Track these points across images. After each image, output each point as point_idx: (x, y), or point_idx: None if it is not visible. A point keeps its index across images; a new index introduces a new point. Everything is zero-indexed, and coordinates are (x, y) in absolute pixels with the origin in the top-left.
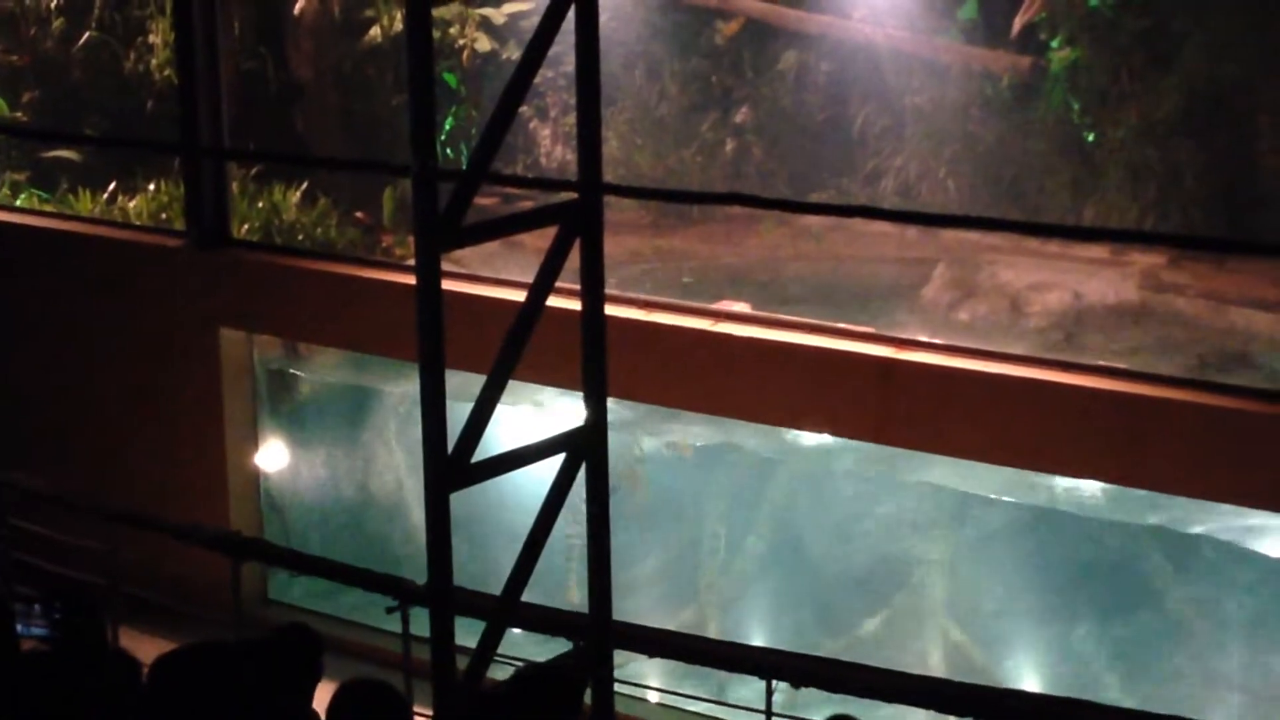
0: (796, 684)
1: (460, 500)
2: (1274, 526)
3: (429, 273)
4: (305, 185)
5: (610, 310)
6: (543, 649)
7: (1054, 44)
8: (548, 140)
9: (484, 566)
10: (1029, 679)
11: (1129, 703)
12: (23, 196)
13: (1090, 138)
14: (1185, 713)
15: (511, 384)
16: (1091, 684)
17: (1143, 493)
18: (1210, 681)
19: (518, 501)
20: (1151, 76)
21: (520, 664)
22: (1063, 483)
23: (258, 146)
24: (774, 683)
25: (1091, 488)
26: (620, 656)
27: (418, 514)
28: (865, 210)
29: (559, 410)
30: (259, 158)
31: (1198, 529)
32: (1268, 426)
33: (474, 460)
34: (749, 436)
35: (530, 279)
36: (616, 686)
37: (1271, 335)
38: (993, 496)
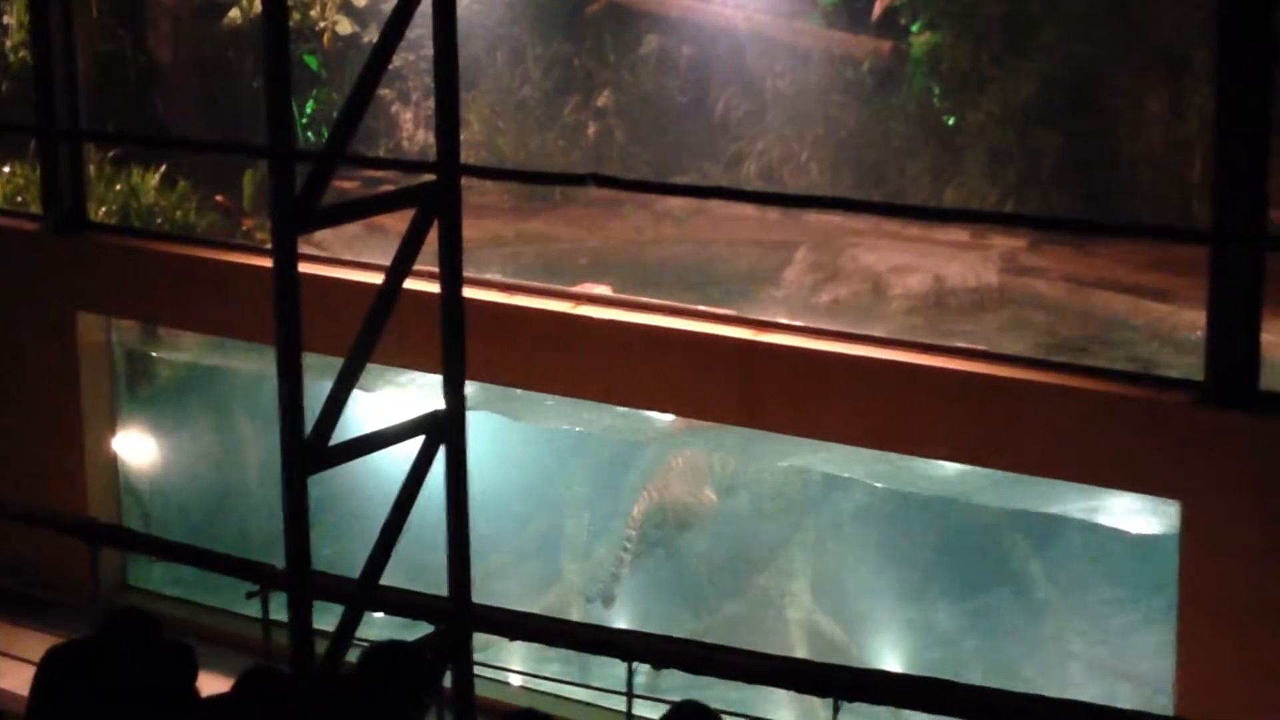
0: (657, 665)
1: None
2: (1130, 505)
3: (285, 255)
4: (164, 168)
5: (470, 293)
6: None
7: (914, 28)
8: (410, 123)
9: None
10: (889, 658)
11: (987, 680)
12: None
13: (950, 122)
14: (1042, 688)
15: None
16: (951, 662)
17: (1002, 474)
18: (1066, 657)
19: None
20: (1011, 61)
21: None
22: (923, 464)
23: (116, 129)
24: (635, 664)
25: (952, 469)
26: (481, 640)
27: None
28: (725, 191)
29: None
30: (116, 140)
31: (1056, 509)
32: (1126, 408)
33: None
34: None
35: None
36: (478, 670)
37: (1129, 317)
38: (852, 478)
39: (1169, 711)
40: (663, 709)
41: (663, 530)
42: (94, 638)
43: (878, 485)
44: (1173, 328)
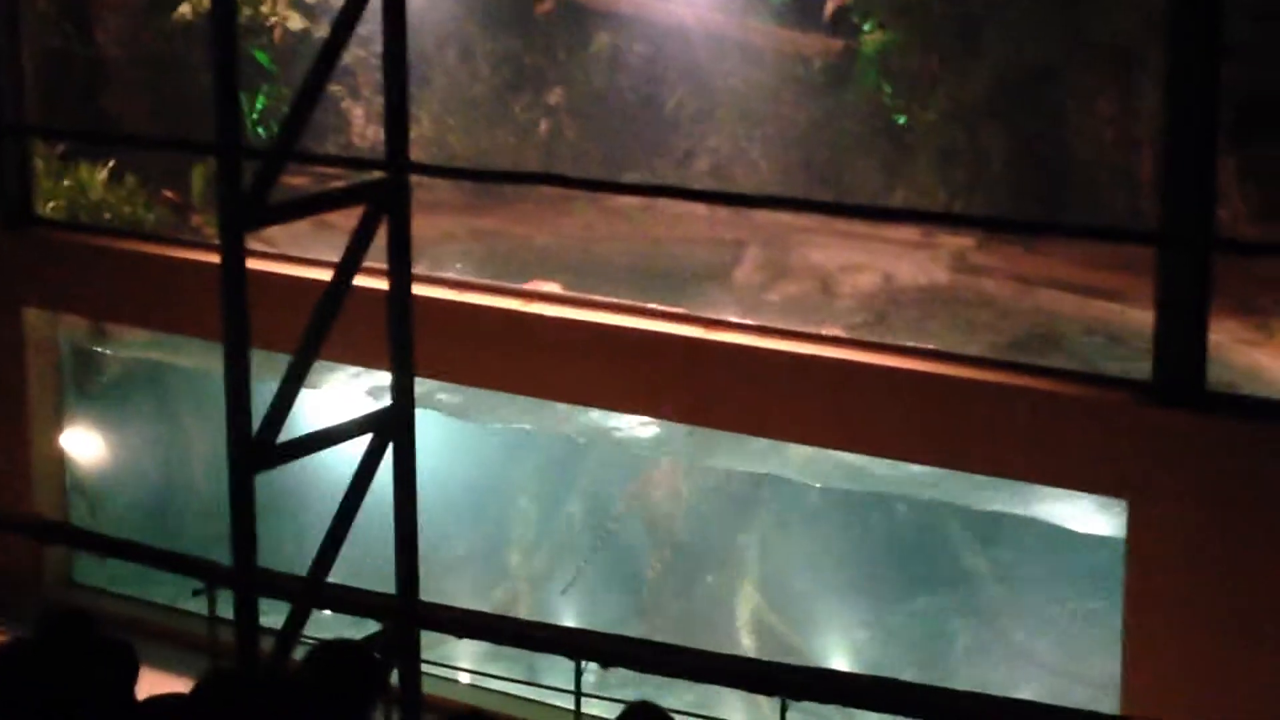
0: (605, 664)
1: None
2: (1078, 503)
3: (233, 252)
4: (112, 163)
5: (420, 290)
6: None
7: (866, 27)
8: (360, 120)
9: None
10: (838, 657)
11: (934, 679)
12: None
13: (901, 120)
14: (989, 686)
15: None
16: (899, 660)
17: (950, 472)
18: (1014, 656)
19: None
20: (962, 60)
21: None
22: (872, 463)
23: (63, 124)
24: (583, 663)
25: (900, 468)
26: (430, 638)
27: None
28: (677, 191)
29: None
30: (64, 135)
31: (1002, 507)
32: (1074, 407)
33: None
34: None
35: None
36: (426, 668)
37: (1077, 317)
38: (802, 479)
39: (1116, 710)
40: (611, 707)
41: (644, 524)
42: (31, 638)
43: (816, 482)
44: (1121, 327)
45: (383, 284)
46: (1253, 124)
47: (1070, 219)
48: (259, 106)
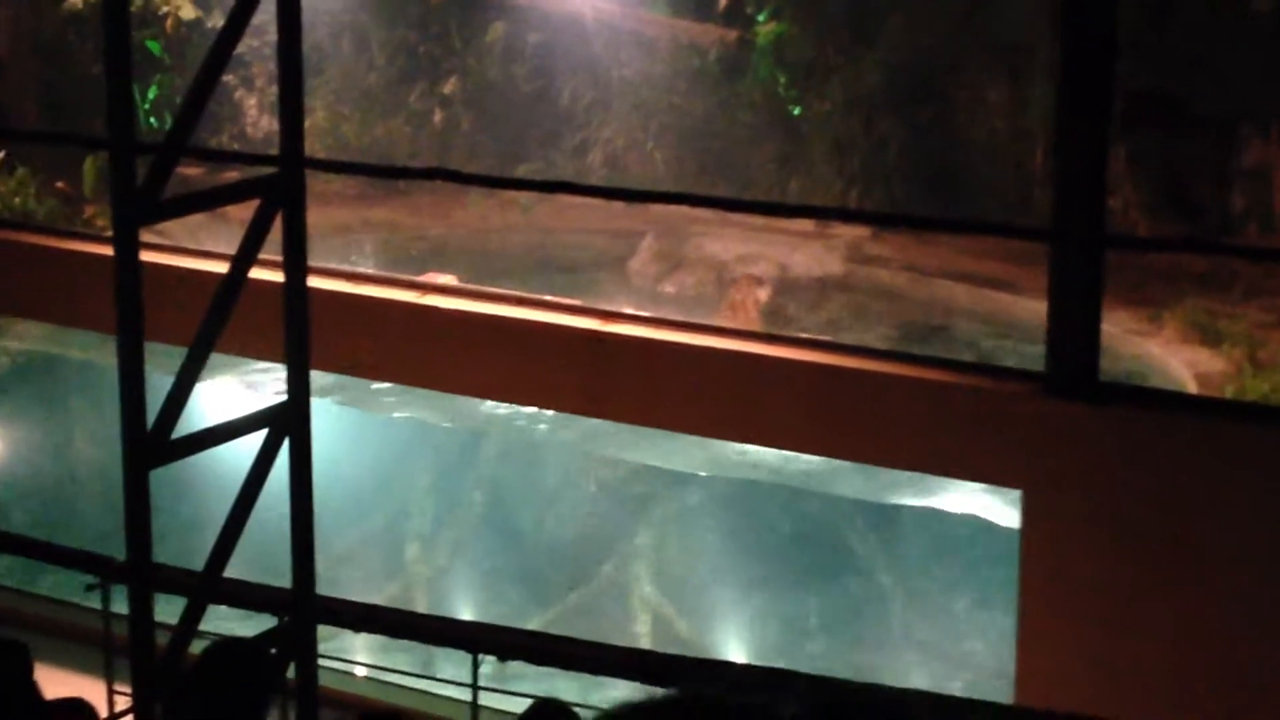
0: (503, 657)
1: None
2: (979, 493)
3: (127, 246)
4: (3, 155)
5: (316, 283)
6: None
7: (760, 18)
8: (254, 110)
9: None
10: (733, 648)
11: (828, 668)
12: None
13: (796, 111)
14: (885, 675)
15: None
16: (793, 651)
17: (843, 463)
18: (905, 644)
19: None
20: (856, 51)
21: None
22: (766, 455)
23: None
24: (480, 656)
25: (795, 459)
26: (326, 631)
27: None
28: (574, 187)
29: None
30: None
31: (894, 497)
32: (968, 398)
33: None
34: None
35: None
36: (322, 662)
37: (970, 307)
38: (698, 472)
39: (1009, 698)
40: (508, 700)
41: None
42: None
43: (712, 474)
44: (1013, 317)
45: (278, 276)
46: (1143, 113)
47: (965, 207)
48: (151, 96)
